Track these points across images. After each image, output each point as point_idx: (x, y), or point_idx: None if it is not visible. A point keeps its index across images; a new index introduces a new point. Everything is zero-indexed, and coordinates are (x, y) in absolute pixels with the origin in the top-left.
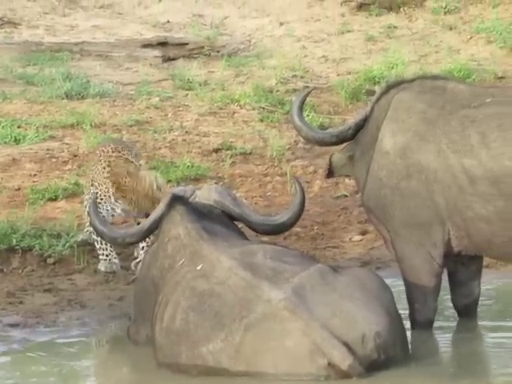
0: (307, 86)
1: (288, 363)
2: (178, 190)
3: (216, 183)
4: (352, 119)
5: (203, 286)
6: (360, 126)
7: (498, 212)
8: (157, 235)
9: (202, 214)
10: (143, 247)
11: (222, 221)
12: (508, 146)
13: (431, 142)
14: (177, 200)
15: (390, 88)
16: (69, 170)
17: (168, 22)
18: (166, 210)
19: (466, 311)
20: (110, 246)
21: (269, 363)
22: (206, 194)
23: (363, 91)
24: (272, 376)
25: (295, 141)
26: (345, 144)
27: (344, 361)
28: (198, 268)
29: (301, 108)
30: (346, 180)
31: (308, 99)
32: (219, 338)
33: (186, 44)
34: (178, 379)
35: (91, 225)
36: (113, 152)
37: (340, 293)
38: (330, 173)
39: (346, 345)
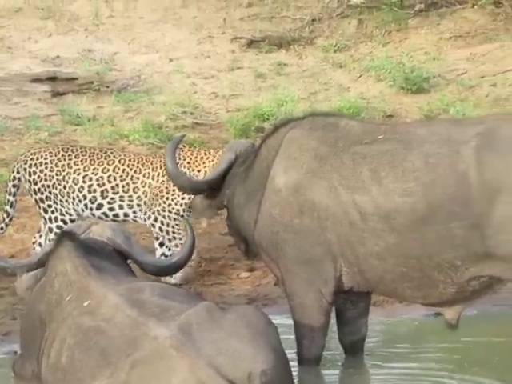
0: (196, 123)
1: None
2: (74, 225)
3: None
4: (220, 165)
5: (89, 323)
6: (227, 171)
7: (389, 248)
8: (44, 270)
9: (92, 251)
10: None
11: (112, 258)
12: (398, 183)
13: (323, 179)
14: (66, 236)
15: (278, 128)
16: None
17: (58, 56)
18: (54, 246)
19: (353, 349)
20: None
21: None
22: (100, 231)
23: (252, 128)
24: None
25: None
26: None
27: None
28: (85, 304)
29: (174, 157)
30: None
31: (197, 135)
32: (105, 376)
33: (76, 79)
34: None
35: None
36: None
37: (226, 331)
38: (196, 213)
39: (232, 383)
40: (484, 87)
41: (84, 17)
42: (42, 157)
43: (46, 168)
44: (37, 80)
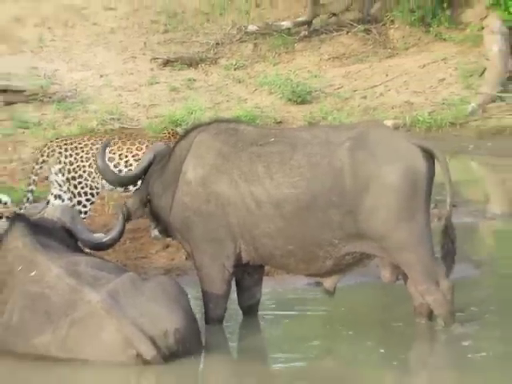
0: (122, 127)
1: (104, 353)
2: (32, 205)
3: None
4: (141, 163)
5: (36, 289)
6: (147, 169)
7: (279, 230)
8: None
9: (41, 229)
10: None
11: (58, 235)
12: (286, 177)
13: (225, 174)
14: (17, 217)
15: (188, 132)
16: None
17: (9, 73)
18: (9, 226)
19: (249, 311)
20: None
21: (89, 353)
22: (52, 211)
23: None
24: (91, 363)
25: None
26: (134, 190)
27: (149, 352)
28: (32, 274)
29: (104, 156)
30: None
31: None
32: (48, 332)
33: (24, 91)
34: (13, 364)
35: None
36: None
37: (147, 296)
38: (128, 217)
39: (151, 339)
40: (356, 99)
41: (30, 40)
42: (75, 142)
43: (83, 151)
44: None
